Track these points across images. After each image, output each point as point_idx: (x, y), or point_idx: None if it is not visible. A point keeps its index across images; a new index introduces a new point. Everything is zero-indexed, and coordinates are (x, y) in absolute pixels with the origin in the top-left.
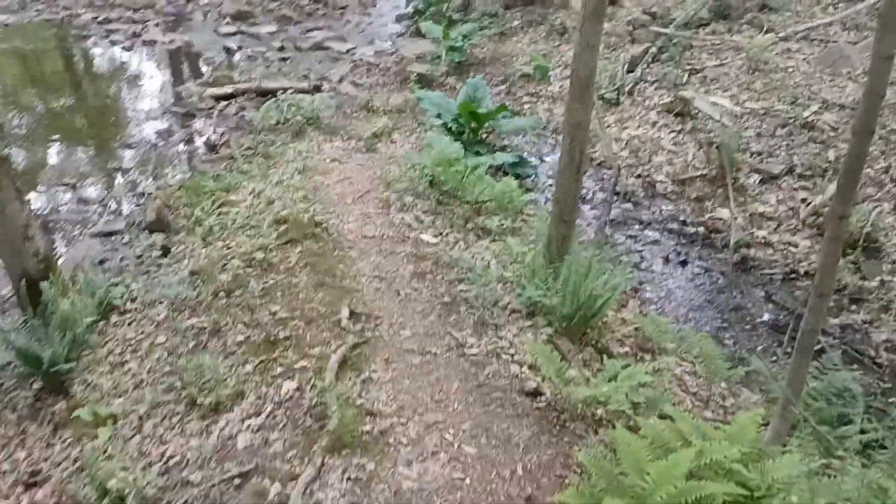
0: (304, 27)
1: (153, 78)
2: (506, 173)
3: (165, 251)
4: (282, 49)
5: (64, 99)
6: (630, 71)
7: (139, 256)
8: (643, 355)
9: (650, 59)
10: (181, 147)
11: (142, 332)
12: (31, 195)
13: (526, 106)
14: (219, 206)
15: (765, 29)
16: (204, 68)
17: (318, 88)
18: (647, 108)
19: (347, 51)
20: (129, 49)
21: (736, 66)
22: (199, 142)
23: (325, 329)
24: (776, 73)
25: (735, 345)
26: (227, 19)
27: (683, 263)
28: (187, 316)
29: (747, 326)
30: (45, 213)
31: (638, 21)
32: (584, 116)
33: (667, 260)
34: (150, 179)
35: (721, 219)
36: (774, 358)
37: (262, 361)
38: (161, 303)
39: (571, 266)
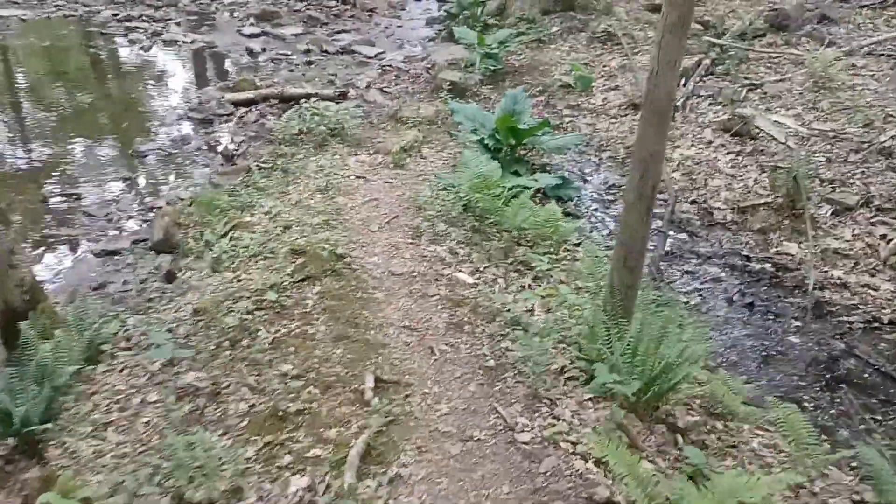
0: (331, 29)
1: (171, 80)
2: (546, 195)
3: (171, 277)
4: (307, 52)
5: (74, 100)
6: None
7: (143, 282)
8: (714, 423)
9: (703, 72)
10: (196, 157)
11: (133, 385)
12: (30, 207)
13: (566, 120)
14: (231, 228)
15: (826, 42)
16: (225, 71)
17: (343, 95)
18: (701, 125)
19: (375, 55)
20: (147, 49)
21: (798, 82)
22: (217, 151)
23: (344, 401)
24: (843, 90)
25: (816, 409)
26: (252, 20)
27: (750, 306)
28: (185, 369)
29: (828, 385)
30: (44, 227)
31: (690, 31)
32: (659, 146)
33: (731, 302)
34: (161, 192)
35: (789, 254)
36: (862, 423)
37: (266, 444)
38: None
39: (642, 329)
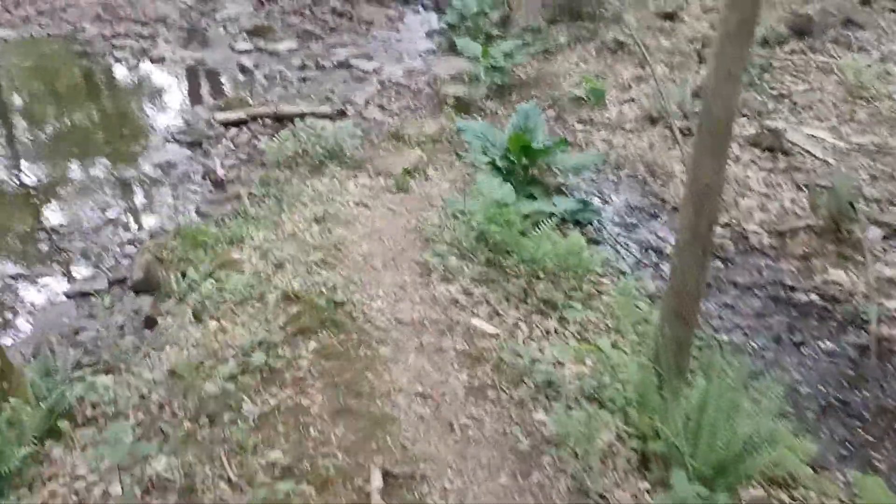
0: (328, 44)
1: (158, 100)
2: (564, 220)
3: (150, 323)
4: (302, 68)
5: (54, 123)
6: (698, 96)
7: (120, 328)
8: (779, 496)
9: None
10: (183, 183)
11: (96, 471)
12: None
13: (580, 135)
14: (218, 267)
15: (854, 47)
16: (216, 89)
17: (341, 113)
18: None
19: (374, 70)
20: (134, 68)
21: (828, 91)
22: (205, 176)
23: None
24: (880, 100)
25: (890, 470)
26: (244, 35)
27: (800, 345)
28: (154, 452)
29: None
30: (14, 263)
31: (707, 38)
32: (717, 176)
33: (778, 341)
34: (144, 224)
35: (838, 284)
36: None
37: None
38: (127, 419)
39: (707, 399)
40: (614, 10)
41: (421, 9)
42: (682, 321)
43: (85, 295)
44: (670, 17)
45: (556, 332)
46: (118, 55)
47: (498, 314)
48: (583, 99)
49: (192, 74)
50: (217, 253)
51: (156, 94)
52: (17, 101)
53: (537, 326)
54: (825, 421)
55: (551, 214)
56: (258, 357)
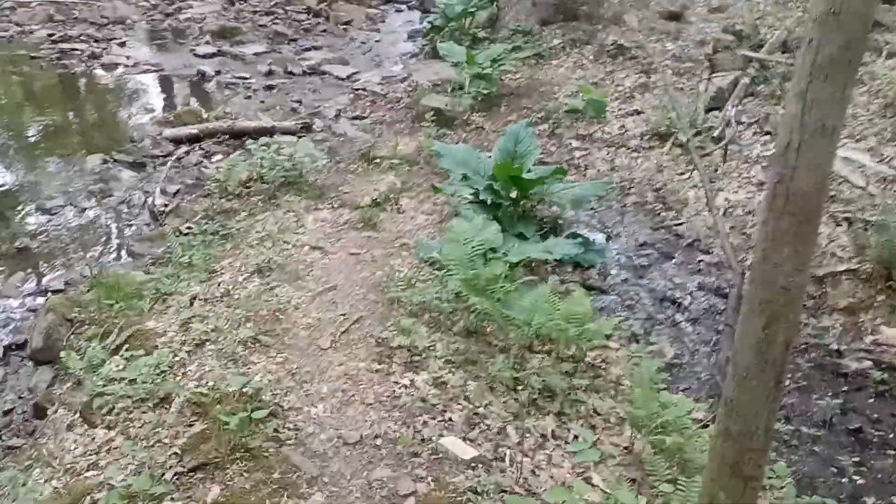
0: (300, 46)
1: (100, 113)
2: (560, 261)
3: (41, 412)
4: (269, 74)
5: None
6: (712, 109)
7: (6, 413)
8: None
9: (742, 94)
10: (116, 215)
11: None
12: None
13: (577, 154)
14: (130, 337)
15: (884, 53)
16: (168, 100)
17: (307, 128)
18: (748, 160)
19: (348, 76)
20: (81, 75)
21: (861, 104)
22: (144, 205)
23: None
24: None
25: None
26: (207, 37)
27: (857, 433)
28: None
29: None
30: None
31: (720, 42)
32: (800, 275)
33: (829, 425)
34: (59, 269)
35: (892, 346)
36: None
37: None
38: None
39: None
40: (614, 11)
41: (404, 7)
42: (743, 481)
43: None
44: (675, 17)
45: (553, 436)
46: (65, 61)
47: (479, 416)
48: (580, 111)
49: (144, 83)
50: (127, 323)
51: (100, 105)
52: None
53: (530, 431)
54: None
55: (545, 262)
56: None
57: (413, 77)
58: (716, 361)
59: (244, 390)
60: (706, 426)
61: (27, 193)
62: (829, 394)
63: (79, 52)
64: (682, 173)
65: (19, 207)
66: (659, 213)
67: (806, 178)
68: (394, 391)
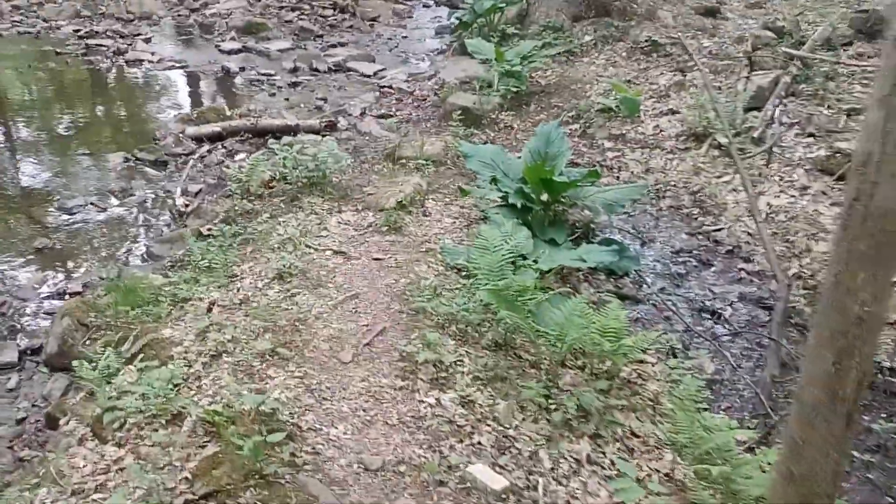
0: (325, 42)
1: (124, 110)
2: (593, 269)
3: (52, 422)
4: (294, 71)
5: None
6: (751, 109)
7: (20, 422)
8: None
9: (783, 93)
10: (138, 214)
11: None
12: None
13: (609, 155)
14: (145, 346)
15: None
16: (192, 97)
17: (331, 126)
18: (791, 164)
19: (374, 73)
20: (105, 71)
21: None
22: (166, 206)
23: None
24: None
25: None
26: (233, 33)
27: None
28: None
29: None
30: None
31: (759, 39)
32: (879, 304)
33: (884, 449)
34: (80, 270)
35: None
36: None
37: None
38: None
39: None
40: (647, 6)
41: (432, 2)
42: None
43: None
44: (712, 13)
45: (589, 461)
46: (91, 57)
47: (508, 438)
48: (613, 110)
49: (169, 79)
50: (142, 330)
51: (124, 101)
52: None
53: (564, 456)
54: None
55: (578, 269)
56: None
57: (440, 74)
58: (759, 378)
59: (260, 408)
60: (751, 450)
61: (48, 192)
62: (883, 415)
63: (104, 48)
64: (721, 176)
65: (41, 206)
66: (696, 218)
67: (888, 194)
68: (418, 410)
